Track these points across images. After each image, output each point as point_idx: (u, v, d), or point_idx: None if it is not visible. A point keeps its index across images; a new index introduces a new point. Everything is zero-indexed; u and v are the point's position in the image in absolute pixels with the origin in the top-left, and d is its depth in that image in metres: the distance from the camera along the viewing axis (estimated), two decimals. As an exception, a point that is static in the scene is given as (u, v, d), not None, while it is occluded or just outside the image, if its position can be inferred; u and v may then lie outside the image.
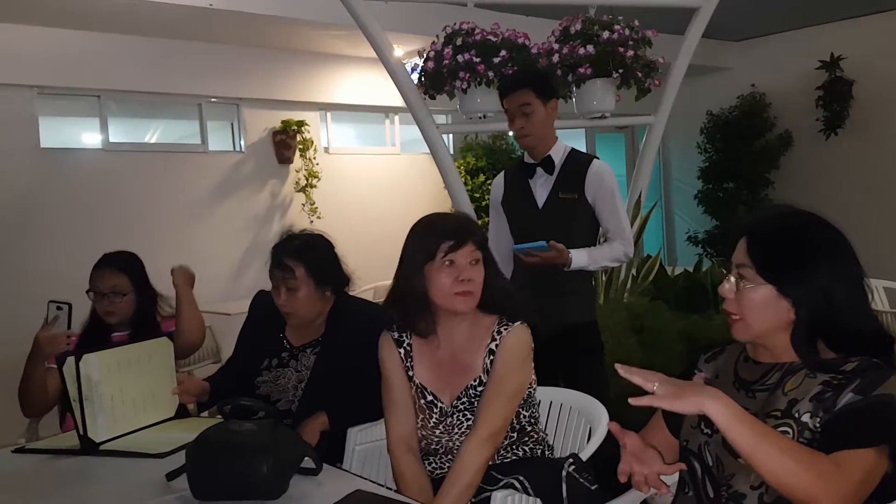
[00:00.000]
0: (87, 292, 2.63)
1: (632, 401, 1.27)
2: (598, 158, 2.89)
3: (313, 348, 2.34)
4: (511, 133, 7.63)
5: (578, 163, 2.84)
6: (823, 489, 1.18)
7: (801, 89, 7.86)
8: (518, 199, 2.92)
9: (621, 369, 1.31)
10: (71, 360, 1.99)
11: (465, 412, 1.93)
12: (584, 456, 1.97)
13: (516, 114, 2.79)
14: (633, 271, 4.50)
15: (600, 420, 2.09)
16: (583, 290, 2.84)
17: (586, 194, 2.80)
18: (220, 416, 1.98)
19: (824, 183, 7.74)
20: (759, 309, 1.37)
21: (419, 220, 1.98)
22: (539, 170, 2.85)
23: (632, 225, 4.27)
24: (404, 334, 2.00)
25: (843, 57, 7.62)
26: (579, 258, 2.73)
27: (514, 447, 1.96)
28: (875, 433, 1.24)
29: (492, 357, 1.91)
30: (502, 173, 3.07)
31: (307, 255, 2.27)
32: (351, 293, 2.46)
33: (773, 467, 1.21)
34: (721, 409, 1.22)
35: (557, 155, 2.85)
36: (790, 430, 1.30)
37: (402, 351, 1.99)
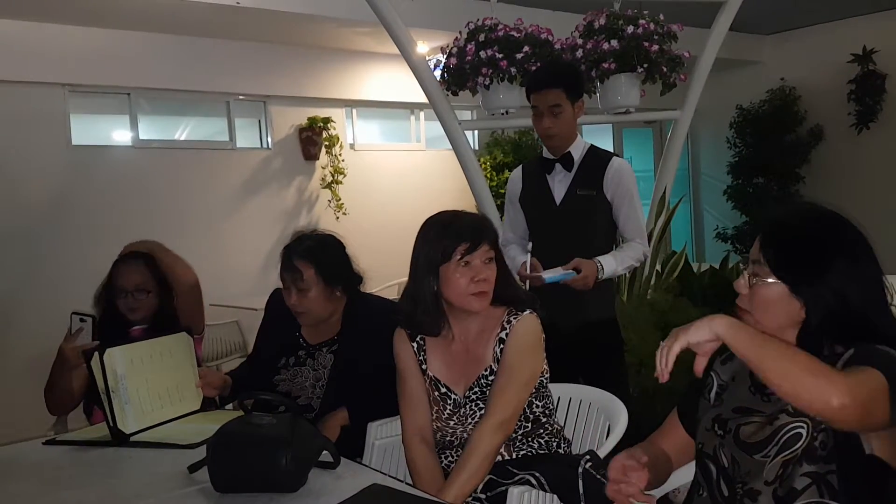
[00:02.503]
0: (102, 290, 2.66)
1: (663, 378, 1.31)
2: (618, 156, 2.86)
3: (329, 346, 2.36)
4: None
5: (598, 160, 2.81)
6: (827, 383, 1.17)
7: (832, 83, 7.74)
8: (536, 195, 2.89)
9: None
10: (96, 354, 2.03)
11: (478, 402, 1.95)
12: (603, 453, 1.97)
13: (545, 112, 2.74)
14: (658, 267, 4.47)
15: (619, 417, 2.09)
16: (602, 287, 2.81)
17: (605, 191, 2.76)
18: (241, 411, 2.01)
19: (856, 178, 7.61)
20: (770, 306, 1.37)
21: (430, 221, 1.99)
22: (558, 166, 2.81)
23: (657, 220, 4.26)
24: None
25: (875, 50, 7.49)
26: (609, 265, 2.68)
27: (528, 439, 1.97)
28: (872, 360, 1.23)
29: (501, 346, 1.94)
30: (519, 168, 3.03)
31: (316, 256, 2.29)
32: (376, 289, 2.48)
33: (777, 370, 1.20)
34: (724, 324, 1.25)
35: (577, 152, 2.81)
36: (804, 426, 1.30)
37: (415, 345, 2.02)
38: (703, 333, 1.27)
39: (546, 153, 2.87)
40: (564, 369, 2.33)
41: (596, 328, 2.78)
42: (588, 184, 2.78)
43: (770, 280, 1.37)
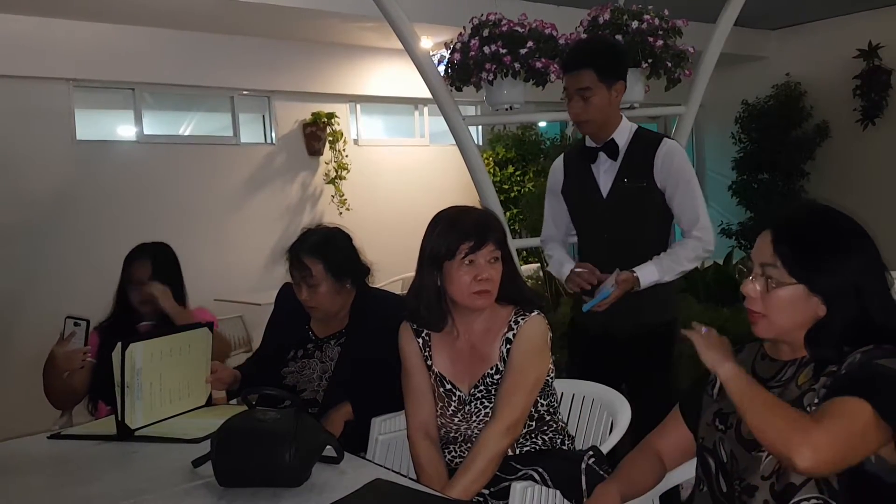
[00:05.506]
0: (120, 285, 2.68)
1: (683, 331, 1.46)
2: (669, 138, 2.60)
3: (337, 339, 2.38)
4: (542, 124, 7.49)
5: (646, 145, 2.54)
6: (796, 440, 1.20)
7: (837, 78, 7.71)
8: (580, 187, 2.64)
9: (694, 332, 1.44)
10: (118, 347, 2.03)
11: (483, 400, 1.95)
12: (606, 448, 1.97)
13: (574, 96, 2.50)
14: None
15: (622, 413, 2.09)
16: (659, 288, 2.50)
17: (656, 180, 2.50)
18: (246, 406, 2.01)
19: (861, 174, 7.59)
20: (788, 308, 1.36)
21: (439, 216, 1.98)
22: (602, 155, 2.56)
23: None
24: None
25: (881, 45, 7.46)
26: (648, 275, 2.44)
27: (532, 436, 1.97)
28: (859, 385, 1.24)
29: (508, 346, 1.93)
30: (561, 157, 2.78)
31: (323, 251, 2.30)
32: (379, 284, 2.48)
33: (755, 418, 1.28)
34: (728, 369, 1.35)
35: (622, 137, 2.55)
36: None
37: (420, 341, 2.02)
38: (707, 362, 1.39)
39: (589, 141, 2.62)
40: (615, 373, 2.30)
41: (650, 335, 2.52)
42: (636, 173, 2.52)
43: (787, 282, 1.35)
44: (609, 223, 2.57)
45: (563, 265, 2.65)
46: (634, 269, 2.45)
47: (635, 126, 2.61)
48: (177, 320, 2.58)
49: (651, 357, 2.54)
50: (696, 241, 2.51)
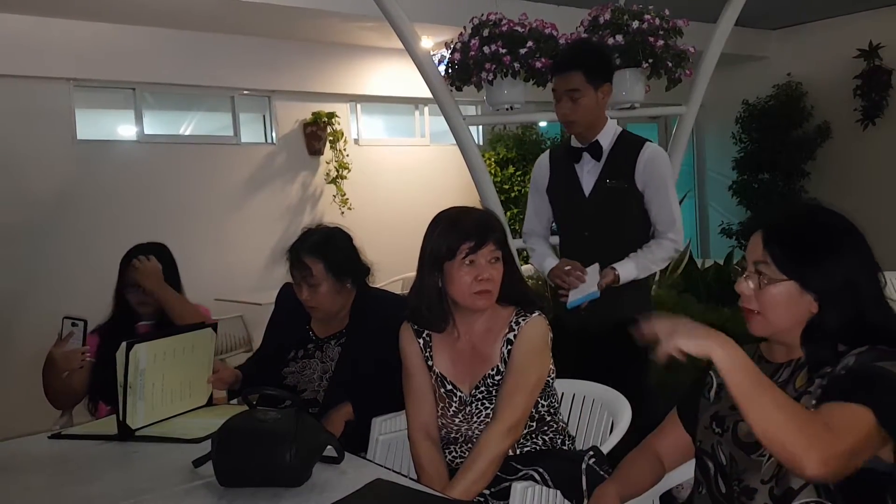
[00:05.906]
0: (118, 286, 2.68)
1: (659, 360, 1.27)
2: (651, 142, 2.69)
3: (338, 340, 2.38)
4: (543, 124, 7.49)
5: (629, 148, 2.63)
6: (806, 447, 1.15)
7: (838, 78, 7.71)
8: (563, 186, 2.74)
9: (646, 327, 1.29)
10: (123, 347, 2.03)
11: (484, 401, 1.95)
12: (606, 448, 1.97)
13: (562, 97, 2.59)
14: (663, 263, 4.46)
15: (623, 413, 2.09)
16: (639, 284, 2.62)
17: (636, 182, 2.60)
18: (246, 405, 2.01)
19: (862, 174, 7.59)
20: (782, 305, 1.36)
21: (439, 216, 1.98)
22: (586, 155, 2.66)
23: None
24: None
25: (881, 45, 7.46)
26: (627, 272, 2.55)
27: (533, 436, 1.97)
28: (862, 392, 1.22)
29: (509, 347, 1.93)
30: (546, 154, 2.88)
31: (324, 250, 2.30)
32: (379, 284, 2.48)
33: (761, 418, 1.18)
34: (724, 357, 1.20)
35: (606, 139, 2.65)
36: None
37: (421, 341, 2.02)
38: (695, 350, 1.22)
39: (574, 141, 2.71)
40: (593, 369, 2.30)
41: (628, 331, 2.61)
42: (618, 174, 2.62)
43: (779, 279, 1.35)
44: (590, 222, 2.67)
45: (545, 259, 2.75)
46: (615, 265, 2.56)
47: (620, 129, 2.71)
48: (163, 303, 2.58)
49: (628, 353, 2.58)
50: (671, 242, 2.63)
